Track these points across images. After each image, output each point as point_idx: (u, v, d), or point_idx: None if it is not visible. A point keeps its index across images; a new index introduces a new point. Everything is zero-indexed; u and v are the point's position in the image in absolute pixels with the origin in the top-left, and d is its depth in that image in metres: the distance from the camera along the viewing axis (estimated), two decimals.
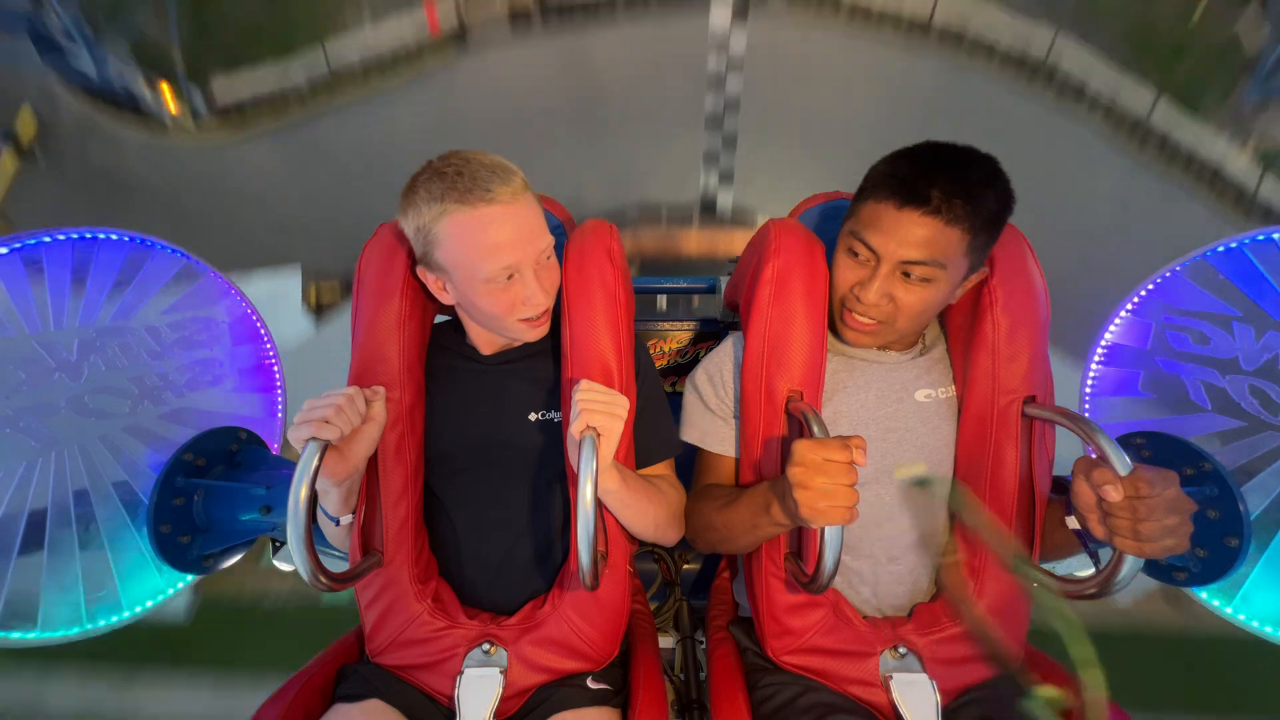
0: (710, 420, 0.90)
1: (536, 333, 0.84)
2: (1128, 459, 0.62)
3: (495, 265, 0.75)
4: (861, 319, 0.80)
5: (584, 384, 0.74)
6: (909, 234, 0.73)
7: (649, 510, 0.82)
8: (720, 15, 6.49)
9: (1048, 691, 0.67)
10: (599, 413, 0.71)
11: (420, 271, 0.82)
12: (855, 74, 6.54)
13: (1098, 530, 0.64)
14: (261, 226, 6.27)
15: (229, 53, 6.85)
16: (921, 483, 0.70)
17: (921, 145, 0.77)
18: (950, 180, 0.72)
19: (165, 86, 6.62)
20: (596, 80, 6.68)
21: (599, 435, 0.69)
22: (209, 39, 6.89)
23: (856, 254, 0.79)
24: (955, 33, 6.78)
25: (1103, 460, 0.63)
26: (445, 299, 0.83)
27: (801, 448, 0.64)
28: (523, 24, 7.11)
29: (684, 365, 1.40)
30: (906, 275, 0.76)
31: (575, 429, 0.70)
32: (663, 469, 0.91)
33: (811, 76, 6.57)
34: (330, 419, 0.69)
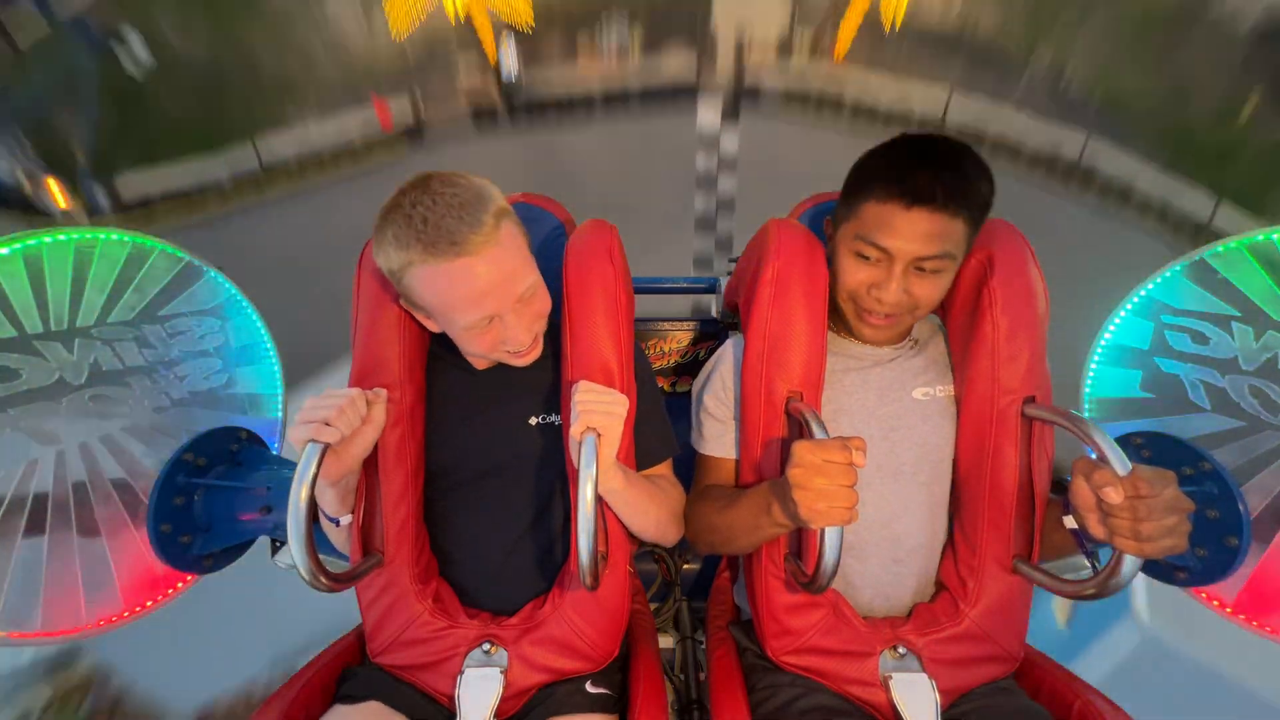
0: (710, 424, 0.90)
1: (526, 360, 0.83)
2: (1127, 459, 0.62)
3: (471, 316, 0.73)
4: (881, 315, 0.82)
5: (582, 385, 0.74)
6: (921, 232, 0.75)
7: (651, 510, 0.82)
8: (709, 115, 6.16)
9: None
10: (598, 413, 0.71)
11: (403, 303, 0.80)
12: None
13: (1096, 530, 0.64)
14: None
15: (149, 149, 6.06)
16: None
17: (906, 141, 0.80)
18: (950, 175, 0.75)
19: (51, 181, 5.77)
20: (572, 179, 5.77)
21: (599, 436, 0.69)
22: (129, 134, 6.21)
23: (866, 256, 0.79)
24: (973, 133, 6.11)
25: (1102, 461, 0.63)
26: (432, 328, 0.81)
27: (801, 449, 0.64)
28: (488, 121, 6.50)
29: (684, 365, 1.40)
30: (920, 269, 0.78)
31: (575, 430, 0.70)
32: (662, 469, 0.91)
33: (812, 175, 5.74)
34: (331, 421, 0.69)
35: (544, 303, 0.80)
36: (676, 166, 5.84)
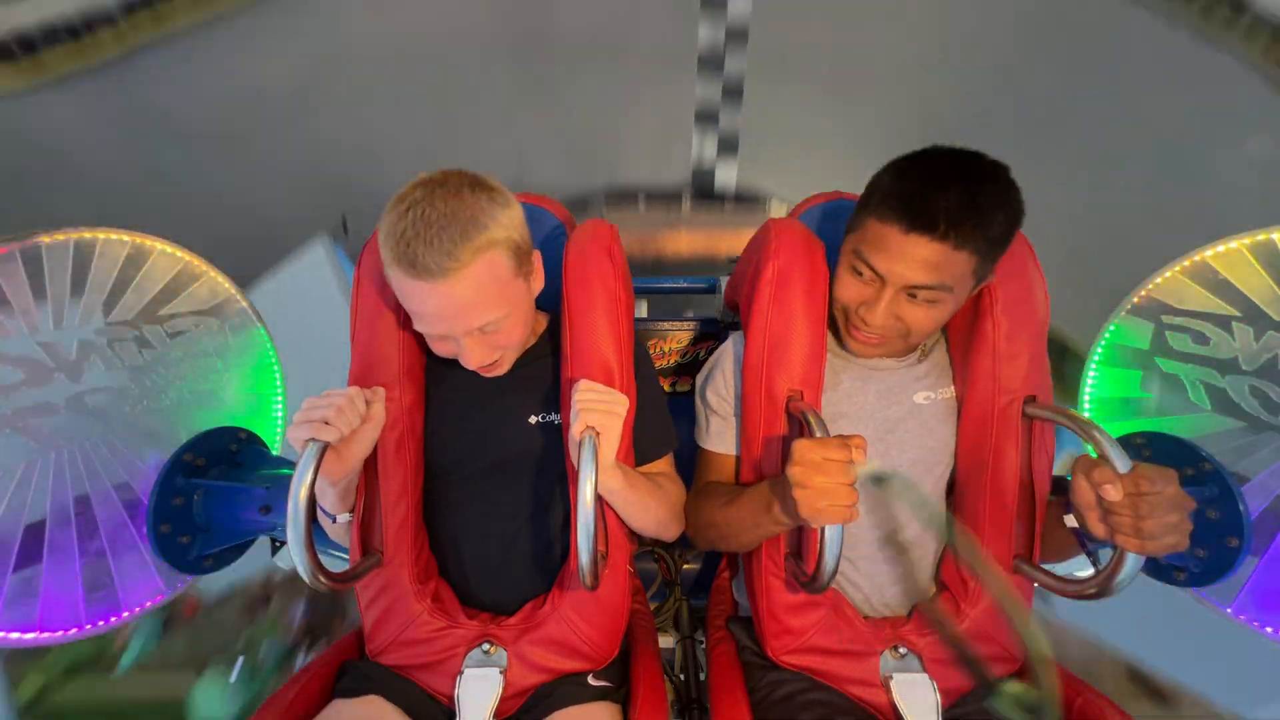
0: (712, 420, 0.90)
1: (490, 373, 0.83)
2: (1127, 457, 0.62)
3: (424, 328, 0.75)
4: (868, 334, 0.80)
5: (582, 384, 0.74)
6: (915, 258, 0.70)
7: (652, 507, 0.82)
8: None
9: (1013, 688, 0.67)
10: (598, 412, 0.71)
11: None
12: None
13: (1097, 529, 0.64)
14: (71, 200, 3.86)
15: None
16: (878, 480, 0.67)
17: (928, 157, 0.73)
18: (959, 202, 0.68)
19: None
20: (546, 6, 4.26)
21: (599, 435, 0.69)
22: None
23: (860, 273, 0.77)
24: None
25: (1103, 459, 0.63)
26: None
27: (801, 447, 0.64)
28: None
29: (684, 365, 1.40)
30: (912, 296, 0.74)
31: (575, 430, 0.70)
32: (663, 465, 0.91)
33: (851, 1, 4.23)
34: (330, 420, 0.69)
35: (509, 335, 0.78)
36: None
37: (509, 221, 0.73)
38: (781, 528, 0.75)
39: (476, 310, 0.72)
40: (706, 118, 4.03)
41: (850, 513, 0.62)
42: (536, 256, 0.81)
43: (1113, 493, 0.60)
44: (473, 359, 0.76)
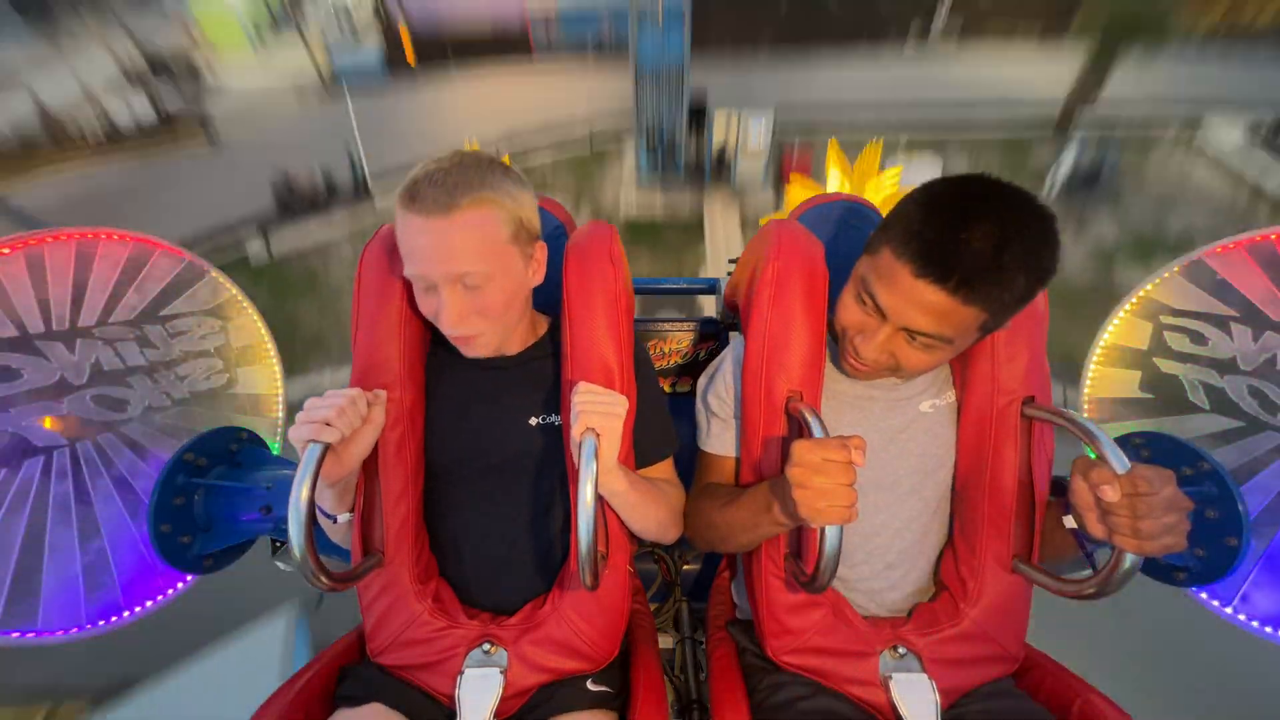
0: (711, 422, 0.91)
1: (469, 351, 0.83)
2: (1125, 458, 0.62)
3: (410, 269, 0.75)
4: (859, 363, 0.78)
5: (582, 386, 0.75)
6: (920, 303, 0.66)
7: (652, 511, 0.83)
8: None
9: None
10: (598, 414, 0.71)
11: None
12: None
13: (1095, 529, 0.64)
14: None
15: None
16: None
17: (965, 191, 0.64)
18: (981, 258, 0.62)
19: None
20: None
21: (599, 436, 0.70)
22: None
23: (864, 301, 0.73)
24: None
25: (1101, 460, 0.63)
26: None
27: (800, 448, 0.64)
28: None
29: (684, 365, 1.40)
30: (911, 337, 0.71)
31: (575, 431, 0.71)
32: (663, 468, 0.92)
33: None
34: (332, 421, 0.70)
35: (491, 300, 0.77)
36: None
37: (518, 196, 0.77)
38: (781, 528, 0.75)
39: (460, 257, 0.73)
40: None
41: (850, 513, 0.62)
42: (541, 248, 0.83)
43: (1111, 493, 0.60)
44: (450, 313, 0.75)
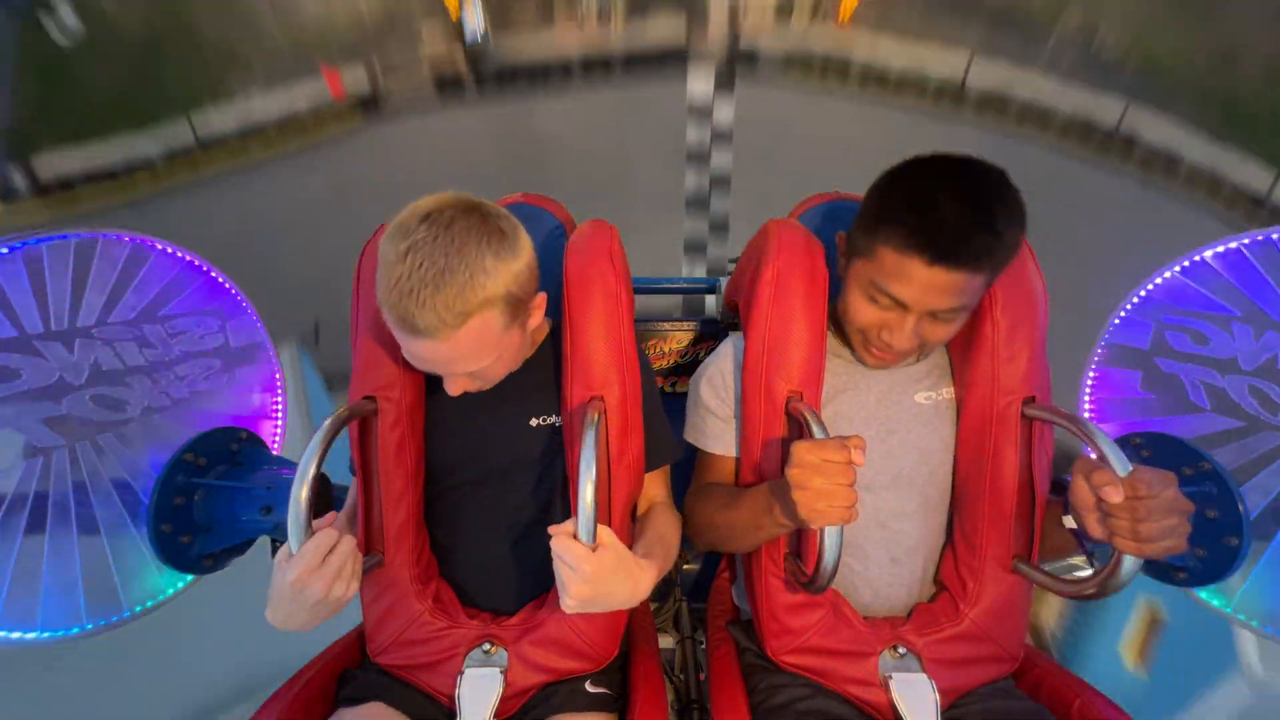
0: (711, 421, 0.90)
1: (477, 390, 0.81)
2: (1127, 460, 0.62)
3: (412, 362, 0.74)
4: (891, 354, 0.80)
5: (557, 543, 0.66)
6: (939, 287, 0.70)
7: (666, 565, 0.81)
8: (700, 84, 5.19)
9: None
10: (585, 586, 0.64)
11: None
12: (873, 142, 4.97)
13: (1095, 530, 0.64)
14: None
15: (75, 124, 5.20)
16: None
17: (933, 175, 0.71)
18: (981, 232, 0.68)
19: None
20: (545, 153, 5.04)
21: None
22: (52, 108, 5.34)
23: (878, 300, 0.75)
24: (998, 98, 5.44)
25: (1102, 461, 0.63)
26: None
27: (800, 449, 0.64)
28: (453, 91, 5.70)
29: (684, 365, 1.40)
30: (934, 317, 0.74)
31: (567, 606, 0.66)
32: (657, 480, 0.90)
33: (820, 146, 5.07)
34: (341, 579, 0.66)
35: (493, 374, 0.77)
36: (665, 141, 4.96)
37: (510, 275, 0.70)
38: (782, 529, 0.75)
39: (462, 363, 0.72)
40: (694, 248, 4.42)
41: (850, 513, 0.62)
42: (539, 300, 0.79)
43: (1112, 494, 0.60)
44: (454, 390, 0.76)
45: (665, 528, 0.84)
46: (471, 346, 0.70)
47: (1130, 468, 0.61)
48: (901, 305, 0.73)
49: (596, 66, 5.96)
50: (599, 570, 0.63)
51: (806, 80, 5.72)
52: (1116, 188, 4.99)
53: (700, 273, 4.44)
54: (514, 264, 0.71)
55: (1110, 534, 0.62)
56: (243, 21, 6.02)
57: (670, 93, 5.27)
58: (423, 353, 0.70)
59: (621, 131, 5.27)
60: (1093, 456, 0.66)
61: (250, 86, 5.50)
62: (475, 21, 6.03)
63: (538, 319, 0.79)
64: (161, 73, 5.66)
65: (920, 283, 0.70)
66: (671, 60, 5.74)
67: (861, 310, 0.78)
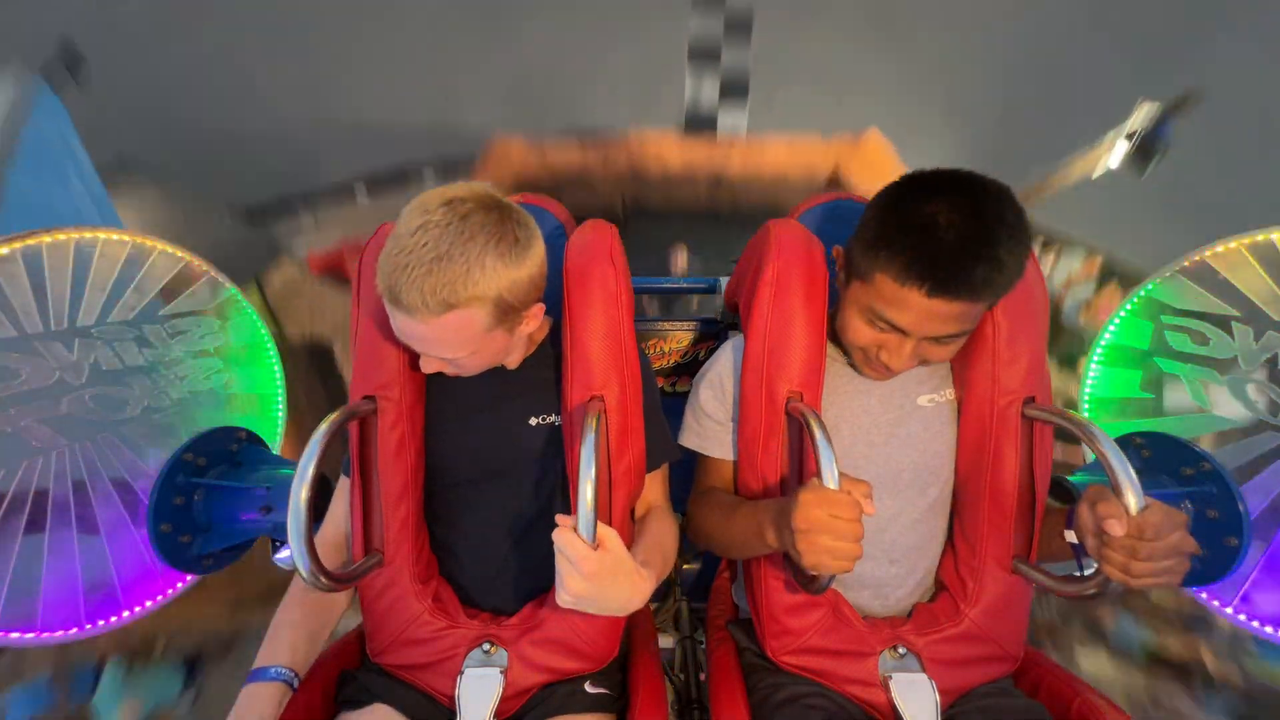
0: (710, 426, 0.90)
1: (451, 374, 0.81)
2: (1142, 495, 0.61)
3: (395, 334, 0.75)
4: (887, 372, 0.79)
5: (557, 539, 0.65)
6: (939, 315, 0.69)
7: (664, 574, 0.81)
8: None
9: None
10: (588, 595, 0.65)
11: None
12: None
13: (1095, 554, 0.64)
14: None
15: None
16: None
17: (931, 198, 0.67)
18: (981, 263, 0.65)
19: None
20: None
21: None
22: None
23: (876, 324, 0.74)
24: None
25: (1116, 491, 0.62)
26: None
27: (808, 501, 0.62)
28: None
29: (684, 365, 1.40)
30: (935, 340, 0.73)
31: (562, 601, 0.66)
32: (656, 491, 0.90)
33: None
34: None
35: (468, 366, 0.78)
36: None
37: (507, 280, 0.70)
38: (776, 551, 0.75)
39: (436, 347, 0.73)
40: (703, 56, 2.99)
41: (851, 564, 0.62)
42: (536, 310, 0.78)
43: (1115, 529, 0.60)
44: (426, 368, 0.78)
45: (663, 535, 0.84)
46: (448, 336, 0.71)
47: (1144, 504, 0.60)
48: (900, 331, 0.73)
49: None
50: (599, 569, 0.63)
51: None
52: None
53: (710, 92, 2.97)
54: (515, 271, 0.71)
55: (1103, 561, 0.62)
56: None
57: None
58: (400, 325, 0.71)
59: None
60: (1108, 486, 0.64)
61: None
62: None
63: (531, 327, 0.80)
64: None
65: (919, 312, 0.69)
66: None
67: (860, 331, 0.77)
